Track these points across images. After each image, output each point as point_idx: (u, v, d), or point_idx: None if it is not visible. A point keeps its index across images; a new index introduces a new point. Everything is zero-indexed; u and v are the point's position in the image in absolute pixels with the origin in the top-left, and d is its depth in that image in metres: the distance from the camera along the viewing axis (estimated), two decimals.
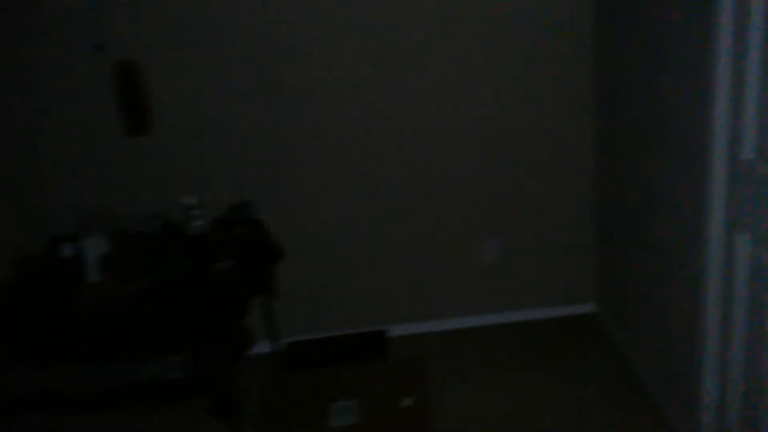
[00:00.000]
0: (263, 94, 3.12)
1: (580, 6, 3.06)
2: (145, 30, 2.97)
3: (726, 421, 2.23)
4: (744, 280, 2.02)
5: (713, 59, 1.96)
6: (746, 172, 1.92)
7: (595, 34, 3.08)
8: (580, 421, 2.73)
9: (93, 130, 3.08)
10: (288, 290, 3.40)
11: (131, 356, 2.40)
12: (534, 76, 3.16)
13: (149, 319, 2.44)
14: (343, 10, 3.02)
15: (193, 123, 3.13)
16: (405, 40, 3.08)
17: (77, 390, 2.41)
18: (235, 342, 2.57)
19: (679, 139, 2.30)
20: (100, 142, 3.10)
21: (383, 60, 3.10)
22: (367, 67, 3.10)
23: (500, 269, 3.47)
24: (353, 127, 3.20)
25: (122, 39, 2.94)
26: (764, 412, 1.97)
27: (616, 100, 2.90)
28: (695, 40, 2.09)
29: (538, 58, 3.13)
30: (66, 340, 2.41)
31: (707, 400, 2.32)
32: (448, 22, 3.06)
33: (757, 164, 1.87)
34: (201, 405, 2.53)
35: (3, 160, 3.07)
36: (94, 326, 2.44)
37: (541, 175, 3.33)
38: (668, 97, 2.34)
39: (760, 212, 1.87)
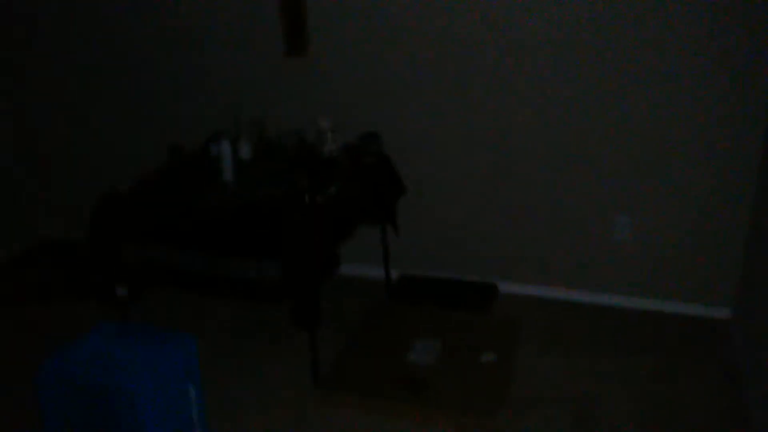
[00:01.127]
0: (419, 37, 3.16)
1: None
2: None
3: None
4: None
5: None
6: None
7: None
8: (655, 422, 2.55)
9: (258, 45, 3.39)
10: (409, 226, 3.50)
11: (238, 253, 2.70)
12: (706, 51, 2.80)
13: (259, 224, 2.71)
14: None
15: (344, 50, 3.29)
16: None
17: (191, 273, 2.79)
18: (326, 261, 2.77)
19: None
20: (263, 58, 3.40)
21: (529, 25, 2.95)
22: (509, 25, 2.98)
23: (627, 250, 3.23)
24: (489, 77, 3.13)
25: None
26: None
27: None
28: None
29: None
30: (190, 228, 2.78)
31: None
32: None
33: None
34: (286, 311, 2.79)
35: (172, 70, 3.52)
36: (214, 221, 2.77)
37: (694, 155, 2.99)
38: None
39: None
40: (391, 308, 3.35)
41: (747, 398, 2.66)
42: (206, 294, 3.24)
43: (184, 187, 2.93)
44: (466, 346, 3.03)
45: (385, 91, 3.33)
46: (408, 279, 3.59)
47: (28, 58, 3.80)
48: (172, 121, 3.68)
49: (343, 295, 3.51)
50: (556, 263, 3.37)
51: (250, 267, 2.69)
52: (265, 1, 3.30)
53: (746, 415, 2.59)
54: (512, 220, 3.36)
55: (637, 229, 3.18)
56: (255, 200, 2.79)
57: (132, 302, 2.92)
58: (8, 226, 3.97)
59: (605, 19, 2.89)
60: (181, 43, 3.54)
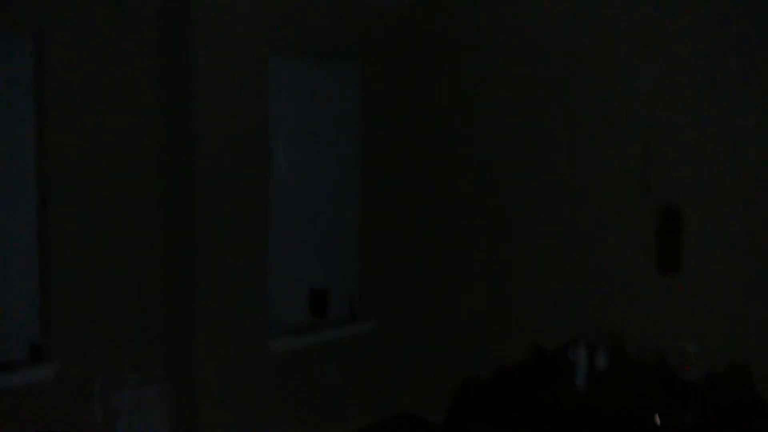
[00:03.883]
0: None
1: None
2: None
3: None
4: None
5: None
6: None
7: None
8: None
9: (629, 259, 3.56)
10: None
11: None
12: None
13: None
14: None
15: (719, 273, 3.25)
16: None
17: None
18: None
19: None
20: (632, 271, 3.55)
21: None
22: None
23: None
24: None
25: (668, 185, 3.39)
26: None
27: None
28: None
29: None
30: (537, 423, 2.92)
31: None
32: None
33: None
34: None
35: (538, 276, 3.86)
36: (562, 422, 2.87)
37: None
38: None
39: None
40: None
41: None
42: None
43: (540, 384, 3.11)
44: None
45: (764, 326, 3.14)
46: None
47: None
48: (534, 320, 3.98)
49: None
50: None
51: None
52: (638, 220, 3.51)
53: None
54: None
55: None
56: (604, 410, 2.81)
57: None
58: (369, 398, 4.44)
59: None
60: (546, 252, 3.91)
